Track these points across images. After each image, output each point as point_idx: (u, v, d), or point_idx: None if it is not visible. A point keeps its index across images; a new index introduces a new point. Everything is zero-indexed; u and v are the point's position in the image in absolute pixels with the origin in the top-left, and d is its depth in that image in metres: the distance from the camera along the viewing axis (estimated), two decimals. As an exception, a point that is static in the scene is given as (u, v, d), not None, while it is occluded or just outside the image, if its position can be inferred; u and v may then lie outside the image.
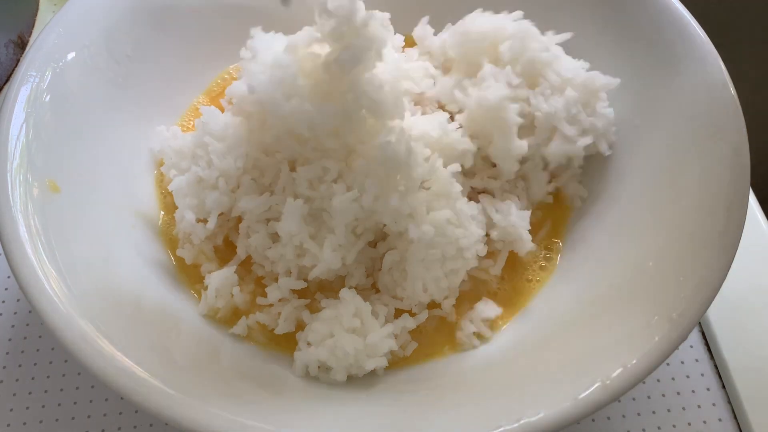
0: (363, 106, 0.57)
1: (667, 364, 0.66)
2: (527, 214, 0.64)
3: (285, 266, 0.61)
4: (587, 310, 0.57)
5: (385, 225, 0.59)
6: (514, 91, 0.64)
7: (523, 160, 0.66)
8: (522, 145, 0.63)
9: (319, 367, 0.57)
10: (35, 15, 0.87)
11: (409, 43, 0.76)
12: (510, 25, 0.68)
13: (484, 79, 0.66)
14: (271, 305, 0.62)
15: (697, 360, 0.66)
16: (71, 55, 0.63)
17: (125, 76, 0.68)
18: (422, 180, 0.58)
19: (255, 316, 0.61)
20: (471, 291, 0.64)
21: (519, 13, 0.69)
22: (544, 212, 0.69)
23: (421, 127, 0.62)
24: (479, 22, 0.68)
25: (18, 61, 0.82)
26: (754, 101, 0.72)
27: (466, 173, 0.65)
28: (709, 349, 0.67)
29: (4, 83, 0.80)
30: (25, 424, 0.62)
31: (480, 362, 0.59)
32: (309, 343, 0.57)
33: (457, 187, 0.60)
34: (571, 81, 0.65)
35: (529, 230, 0.63)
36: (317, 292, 0.63)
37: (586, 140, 0.65)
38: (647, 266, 0.56)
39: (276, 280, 0.62)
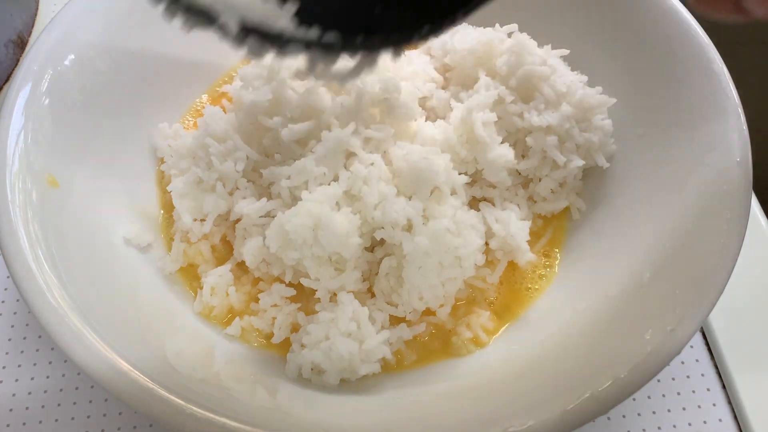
0: (378, 107, 0.58)
1: (668, 365, 0.66)
2: (527, 224, 0.63)
3: (280, 269, 0.61)
4: (583, 320, 0.57)
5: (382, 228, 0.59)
6: (497, 102, 0.64)
7: (522, 180, 0.67)
8: (506, 153, 0.62)
9: (312, 369, 0.56)
10: (35, 15, 0.87)
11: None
12: (506, 39, 0.67)
13: (477, 91, 0.65)
14: (265, 310, 0.61)
15: (697, 360, 0.66)
16: (71, 55, 0.63)
17: (125, 75, 0.68)
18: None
19: (250, 320, 0.61)
20: (467, 298, 0.63)
21: (514, 26, 0.68)
22: (545, 221, 0.68)
23: (428, 132, 0.62)
24: (470, 37, 0.68)
25: (18, 60, 0.82)
26: (756, 105, 0.71)
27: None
28: (709, 350, 0.67)
29: (4, 83, 0.80)
30: (24, 424, 0.62)
31: (473, 369, 0.59)
32: (303, 345, 0.57)
33: (462, 197, 0.59)
34: (566, 96, 0.64)
35: (528, 240, 0.62)
36: (312, 294, 0.63)
37: (578, 163, 0.64)
38: (644, 278, 0.55)
39: (273, 281, 0.62)
